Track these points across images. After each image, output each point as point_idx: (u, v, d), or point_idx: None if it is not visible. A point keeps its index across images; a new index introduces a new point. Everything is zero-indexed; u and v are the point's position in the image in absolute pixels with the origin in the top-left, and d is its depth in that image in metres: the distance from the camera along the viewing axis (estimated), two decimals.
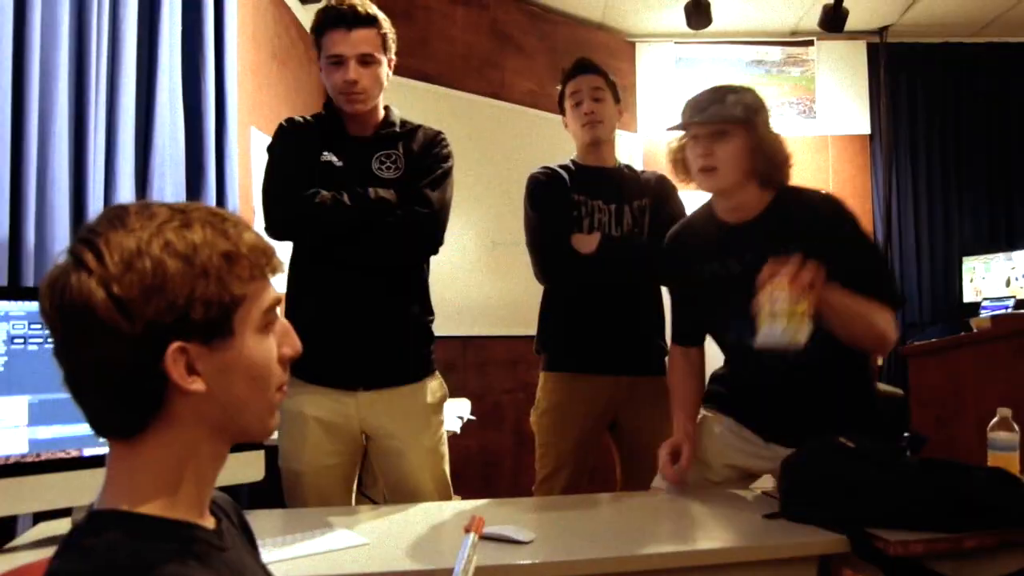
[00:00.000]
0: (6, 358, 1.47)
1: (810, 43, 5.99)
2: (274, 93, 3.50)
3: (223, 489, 0.95)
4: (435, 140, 2.18)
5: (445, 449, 2.21)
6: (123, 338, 0.74)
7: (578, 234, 2.40)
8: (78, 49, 1.90)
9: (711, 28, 5.33)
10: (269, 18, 3.42)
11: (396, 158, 2.12)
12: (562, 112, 2.59)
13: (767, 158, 1.89)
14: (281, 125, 2.15)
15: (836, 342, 1.79)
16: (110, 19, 2.04)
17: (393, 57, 2.13)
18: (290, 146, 2.10)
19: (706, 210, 2.06)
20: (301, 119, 2.17)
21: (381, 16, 2.06)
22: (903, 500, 1.55)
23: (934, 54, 6.01)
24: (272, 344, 0.86)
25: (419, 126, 2.20)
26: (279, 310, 0.89)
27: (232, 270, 0.80)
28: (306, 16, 3.93)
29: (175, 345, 0.76)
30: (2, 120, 1.65)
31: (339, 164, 2.09)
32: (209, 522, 0.85)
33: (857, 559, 1.55)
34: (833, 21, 5.24)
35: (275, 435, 2.05)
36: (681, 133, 2.01)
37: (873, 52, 5.98)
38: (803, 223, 1.86)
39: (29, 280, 1.70)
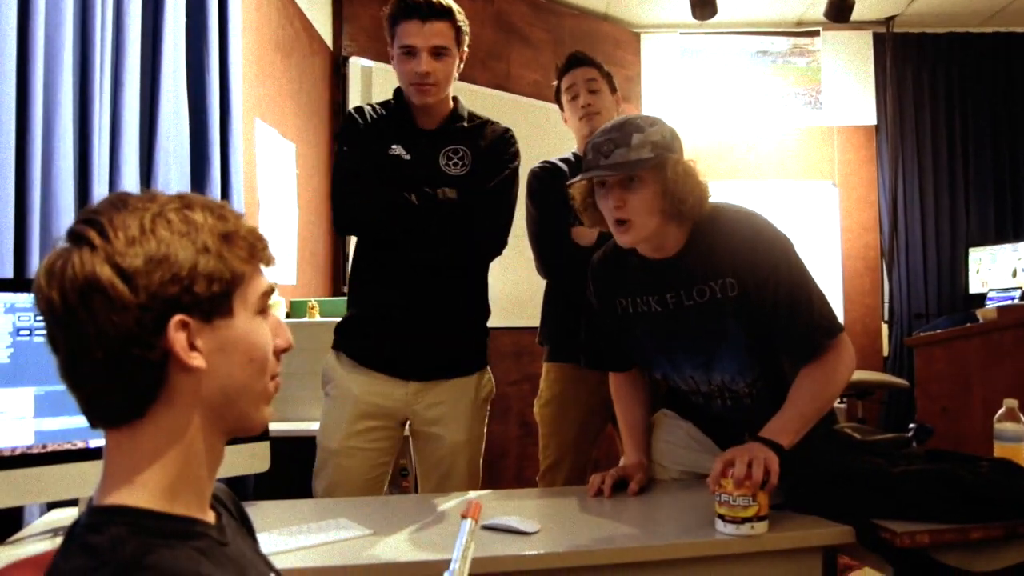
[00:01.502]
0: (12, 350, 1.48)
1: (816, 33, 5.96)
2: (278, 85, 3.50)
3: (228, 480, 0.95)
4: (503, 138, 2.17)
5: (483, 442, 2.23)
6: (127, 308, 0.75)
7: (578, 227, 2.39)
8: (82, 42, 1.90)
9: (716, 19, 5.32)
10: (273, 10, 3.42)
11: (464, 154, 2.11)
12: (560, 107, 2.58)
13: (683, 196, 1.70)
14: (350, 114, 2.14)
15: (774, 382, 1.78)
16: (114, 11, 2.03)
17: (466, 50, 2.12)
18: (358, 140, 2.10)
19: None
20: (370, 107, 2.16)
21: (456, 8, 2.05)
22: (909, 491, 1.54)
23: (940, 44, 5.98)
24: (268, 330, 0.87)
25: (487, 121, 2.20)
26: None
27: (231, 249, 0.81)
28: (309, 8, 3.93)
29: (177, 317, 0.77)
30: (6, 112, 1.65)
31: (407, 158, 2.08)
32: (210, 517, 0.85)
33: (863, 550, 1.54)
34: (839, 11, 5.21)
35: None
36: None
37: (879, 42, 5.95)
38: (726, 256, 1.74)
39: (34, 272, 1.70)
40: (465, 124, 2.15)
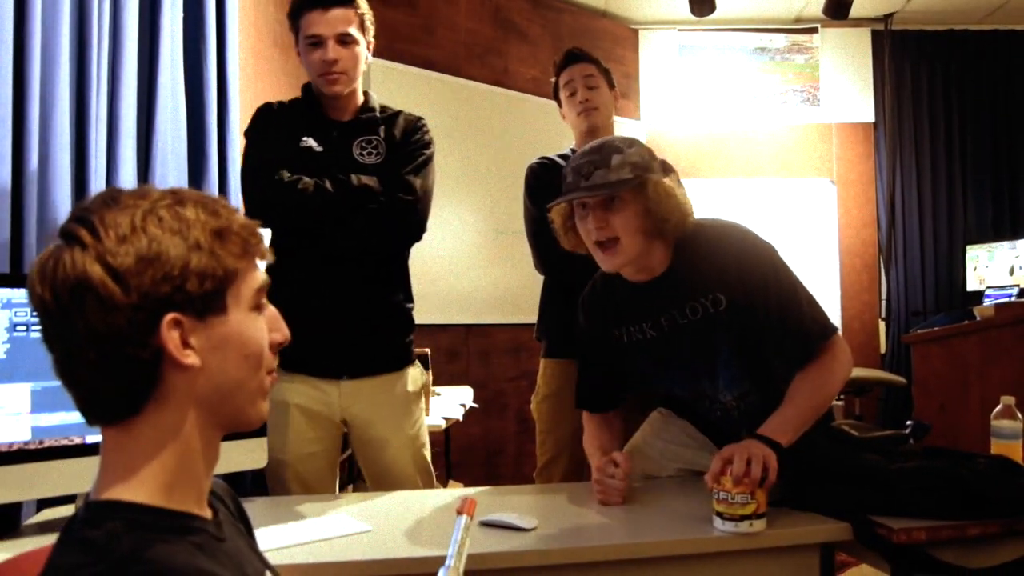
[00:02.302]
0: (8, 345, 1.47)
1: (814, 30, 5.96)
2: (276, 79, 3.50)
3: (225, 476, 0.95)
4: (416, 126, 2.16)
5: (426, 437, 2.21)
6: (119, 308, 0.74)
7: None
8: (79, 36, 1.90)
9: (715, 15, 5.32)
10: (271, 4, 3.41)
11: (377, 143, 2.10)
12: (558, 103, 2.58)
13: (665, 215, 1.70)
14: (258, 109, 2.14)
15: (777, 389, 1.76)
16: (111, 6, 2.03)
17: (372, 40, 2.11)
18: (268, 130, 2.08)
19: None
20: (277, 104, 2.15)
21: None
22: (906, 488, 1.54)
23: (939, 41, 5.98)
24: (263, 325, 0.86)
25: (399, 112, 2.19)
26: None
27: (224, 246, 0.81)
28: None
29: (170, 316, 0.76)
30: (3, 107, 1.64)
31: (319, 149, 2.07)
32: (207, 513, 0.85)
33: (860, 547, 1.55)
34: (837, 8, 5.21)
35: None
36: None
37: (877, 39, 5.95)
38: (713, 271, 1.74)
39: (30, 268, 1.70)
40: (377, 114, 2.14)
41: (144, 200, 0.78)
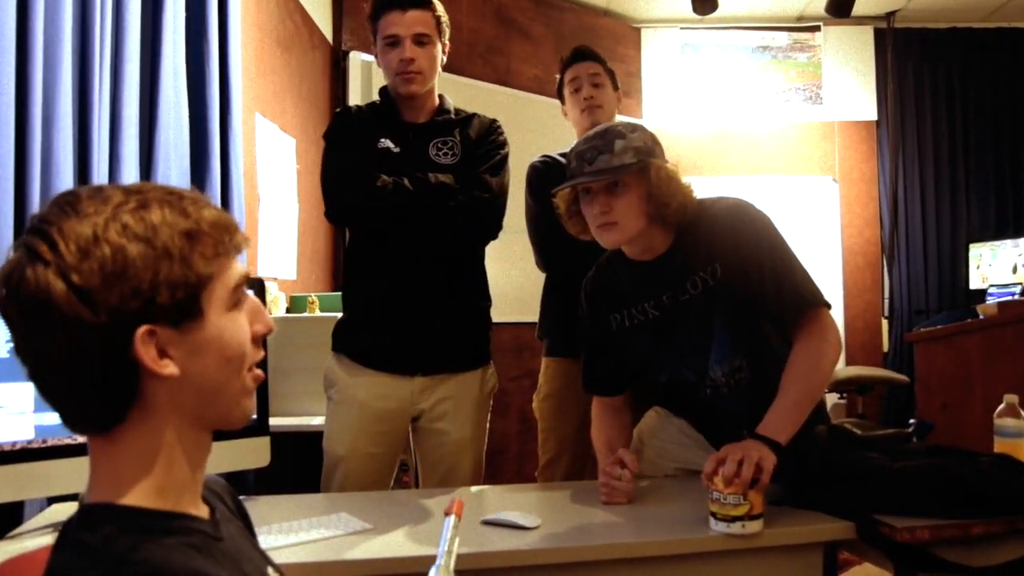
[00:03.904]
0: (11, 344, 1.47)
1: (817, 28, 5.95)
2: (278, 80, 3.50)
3: (228, 475, 0.95)
4: (491, 127, 2.19)
5: (486, 438, 2.23)
6: (88, 329, 0.71)
7: None
8: (82, 35, 1.90)
9: (717, 14, 5.31)
10: (273, 5, 3.41)
11: (453, 144, 2.12)
12: (561, 100, 2.58)
13: (667, 199, 1.72)
14: (337, 112, 2.17)
15: (768, 364, 1.76)
16: (114, 6, 2.03)
17: (447, 43, 2.14)
18: (346, 132, 2.11)
19: (613, 253, 1.93)
20: (355, 107, 2.19)
21: (436, 1, 2.09)
22: (909, 487, 1.54)
23: (942, 39, 5.97)
24: (243, 322, 0.83)
25: (474, 114, 2.21)
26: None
27: (195, 248, 0.76)
28: (309, 2, 3.92)
29: (143, 329, 0.73)
30: (6, 106, 1.64)
31: (396, 150, 2.09)
32: (203, 511, 0.84)
33: (863, 545, 1.54)
34: (840, 6, 5.20)
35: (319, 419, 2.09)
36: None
37: (880, 37, 5.94)
38: (711, 243, 1.76)
39: None
40: (452, 116, 2.17)
41: (105, 206, 0.74)
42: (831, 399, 4.93)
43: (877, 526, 1.50)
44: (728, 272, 1.74)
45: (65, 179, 1.79)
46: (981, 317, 3.53)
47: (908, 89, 5.94)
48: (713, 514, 1.50)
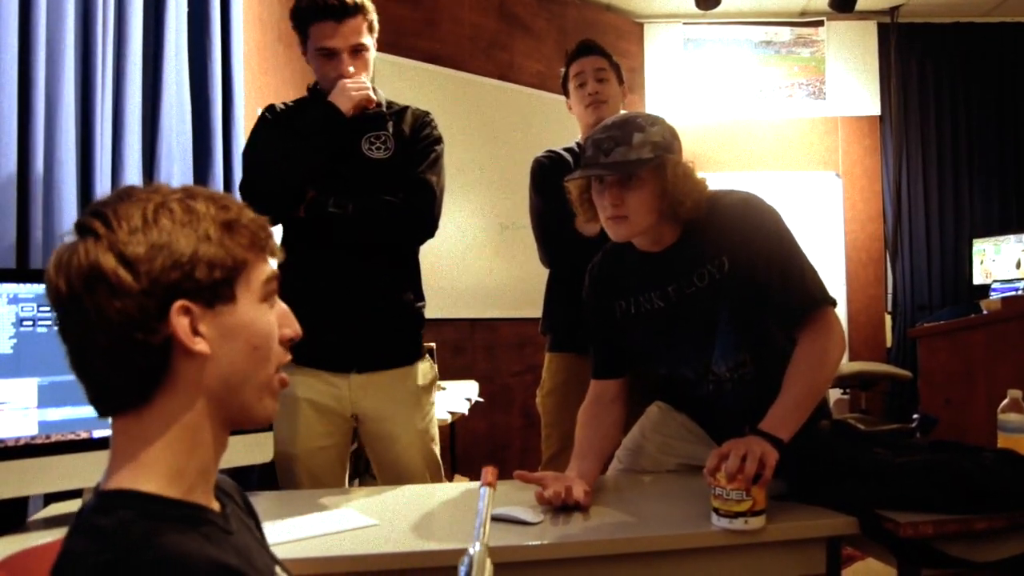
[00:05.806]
0: (15, 340, 1.48)
1: (820, 23, 5.94)
2: (281, 76, 3.49)
3: (232, 471, 0.96)
4: (424, 121, 2.16)
5: (436, 431, 2.21)
6: (129, 294, 0.76)
7: None
8: (84, 33, 1.90)
9: (720, 9, 5.31)
10: (275, 1, 3.40)
11: (386, 139, 2.11)
12: (566, 94, 2.58)
13: (681, 197, 1.71)
14: (262, 113, 2.12)
15: (772, 361, 1.75)
16: (116, 2, 2.03)
17: (376, 37, 2.11)
18: (272, 132, 2.08)
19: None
20: (282, 105, 2.15)
21: (367, 2, 2.04)
22: (912, 482, 1.54)
23: (945, 34, 5.96)
24: (273, 318, 0.88)
25: (407, 107, 2.19)
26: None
27: (233, 237, 0.83)
28: None
29: (180, 303, 0.78)
30: (8, 105, 1.64)
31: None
32: (215, 506, 0.86)
33: (866, 541, 1.54)
34: (843, 1, 5.19)
35: None
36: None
37: (883, 32, 5.93)
38: (720, 237, 1.74)
39: (37, 263, 1.70)
40: (384, 109, 2.14)
41: (156, 195, 0.81)
42: (834, 394, 4.93)
43: (880, 521, 1.50)
44: (735, 266, 1.73)
45: (68, 177, 1.79)
46: (985, 312, 3.52)
47: (912, 84, 5.93)
48: (715, 510, 1.50)
